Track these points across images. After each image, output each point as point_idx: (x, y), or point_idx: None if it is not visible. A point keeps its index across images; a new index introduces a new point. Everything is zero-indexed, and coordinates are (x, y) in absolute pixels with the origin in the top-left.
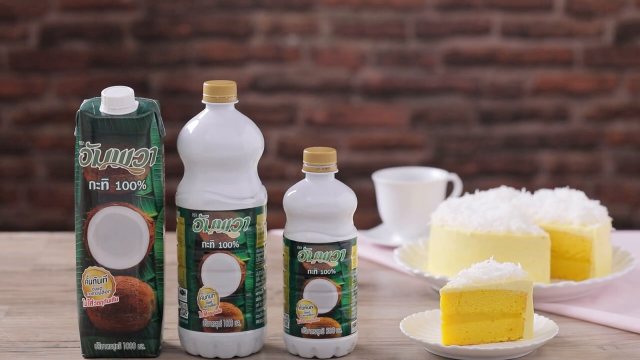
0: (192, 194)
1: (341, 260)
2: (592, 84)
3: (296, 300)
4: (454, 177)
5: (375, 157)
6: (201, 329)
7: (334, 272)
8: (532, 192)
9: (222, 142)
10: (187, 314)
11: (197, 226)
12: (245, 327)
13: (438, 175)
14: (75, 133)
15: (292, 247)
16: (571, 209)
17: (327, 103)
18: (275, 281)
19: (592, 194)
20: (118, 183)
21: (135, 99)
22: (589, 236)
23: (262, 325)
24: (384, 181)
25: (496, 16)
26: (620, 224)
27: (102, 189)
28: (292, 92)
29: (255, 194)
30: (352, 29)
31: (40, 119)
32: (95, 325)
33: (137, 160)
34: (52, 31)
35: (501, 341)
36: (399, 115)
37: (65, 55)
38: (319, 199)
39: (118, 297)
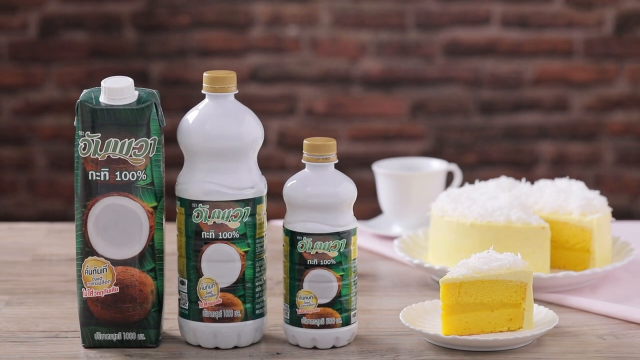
0: (192, 184)
1: (341, 250)
2: (592, 74)
3: (296, 291)
4: (454, 168)
5: (375, 147)
6: (201, 319)
7: (334, 262)
8: (532, 183)
9: (222, 133)
10: (187, 304)
11: (197, 216)
12: (245, 318)
13: (438, 166)
14: (75, 123)
15: (292, 237)
16: (571, 199)
17: (327, 93)
18: (275, 271)
19: (592, 184)
20: (118, 173)
21: (135, 89)
22: (589, 226)
23: (262, 315)
24: (383, 171)
25: (496, 6)
26: (620, 214)
27: (102, 179)
28: (292, 82)
29: (255, 184)
30: (352, 19)
31: (40, 109)
32: (95, 315)
33: (137, 151)
34: (52, 21)
35: (501, 331)
36: (399, 105)
37: (65, 45)
38: (319, 189)
39: (118, 287)
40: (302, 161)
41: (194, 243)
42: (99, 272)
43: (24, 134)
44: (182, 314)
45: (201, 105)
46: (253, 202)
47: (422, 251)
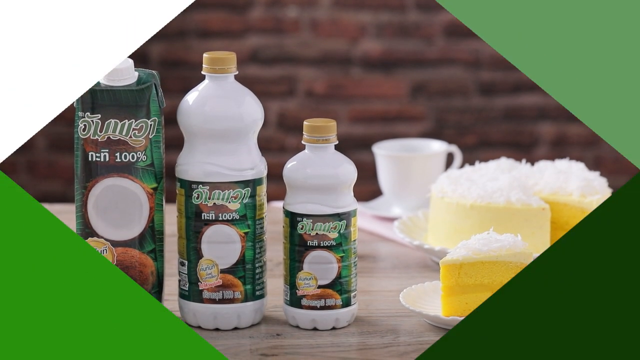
0: (192, 165)
1: (341, 231)
2: None
3: (296, 272)
4: (454, 149)
5: (375, 128)
6: (201, 300)
7: (334, 243)
8: (532, 164)
9: (221, 114)
10: (187, 286)
11: (197, 197)
12: (245, 299)
13: (438, 147)
14: (74, 104)
15: (292, 218)
16: (571, 181)
17: (327, 74)
18: (275, 253)
19: (592, 165)
20: (118, 154)
21: (135, 70)
22: (589, 207)
23: (262, 296)
24: (384, 153)
25: None
26: None
27: (102, 160)
28: (292, 63)
29: (255, 165)
30: (351, 0)
31: None
32: None
33: (136, 132)
34: None
35: None
36: (399, 86)
37: None
38: (319, 170)
39: (118, 268)
40: (302, 142)
41: (194, 224)
42: (99, 253)
43: None
44: (182, 295)
45: (201, 86)
46: (253, 184)
47: (422, 232)
